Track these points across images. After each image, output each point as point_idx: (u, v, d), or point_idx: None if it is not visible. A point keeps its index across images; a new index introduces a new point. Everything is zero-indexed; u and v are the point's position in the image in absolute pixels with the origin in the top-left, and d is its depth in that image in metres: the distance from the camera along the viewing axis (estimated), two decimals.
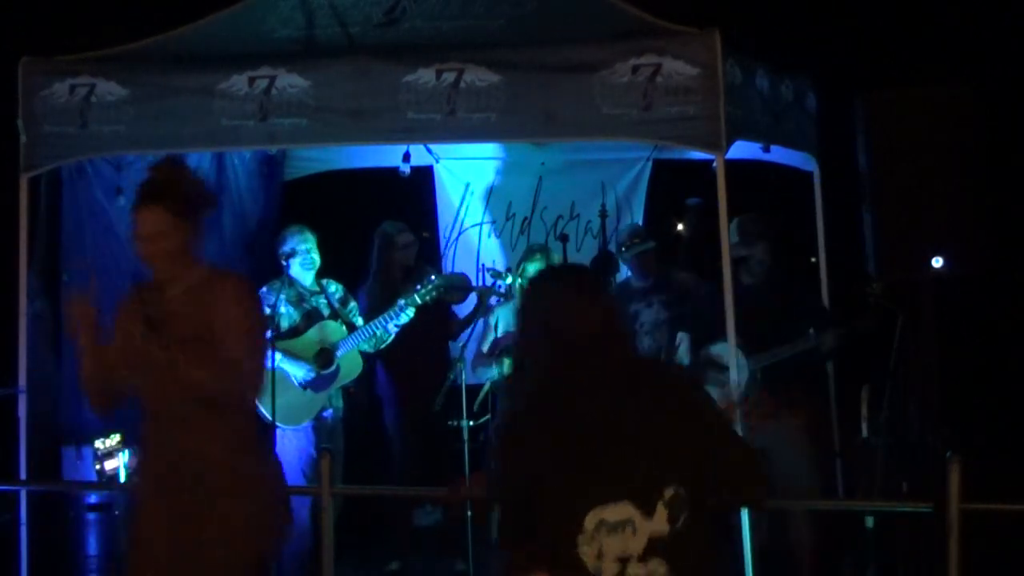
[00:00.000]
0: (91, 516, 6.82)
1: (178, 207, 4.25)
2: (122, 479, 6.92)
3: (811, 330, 6.08)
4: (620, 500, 3.17)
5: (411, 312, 6.73)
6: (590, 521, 3.18)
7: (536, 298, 3.44)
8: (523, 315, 3.46)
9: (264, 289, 6.89)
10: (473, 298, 7.48)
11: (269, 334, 6.76)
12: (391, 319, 6.75)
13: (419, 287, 6.76)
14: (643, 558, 3.18)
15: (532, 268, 6.76)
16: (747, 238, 6.33)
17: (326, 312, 6.90)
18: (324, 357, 6.78)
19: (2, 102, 6.41)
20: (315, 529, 6.02)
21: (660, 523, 3.17)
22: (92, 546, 6.83)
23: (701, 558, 3.24)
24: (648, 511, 3.17)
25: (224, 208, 7.64)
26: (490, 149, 8.05)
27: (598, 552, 3.18)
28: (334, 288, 7.00)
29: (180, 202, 4.26)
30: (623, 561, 3.19)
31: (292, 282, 6.92)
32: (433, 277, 6.85)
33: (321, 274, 7.00)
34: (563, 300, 3.35)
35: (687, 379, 3.54)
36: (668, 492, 3.18)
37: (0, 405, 6.35)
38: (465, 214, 8.32)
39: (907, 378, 6.23)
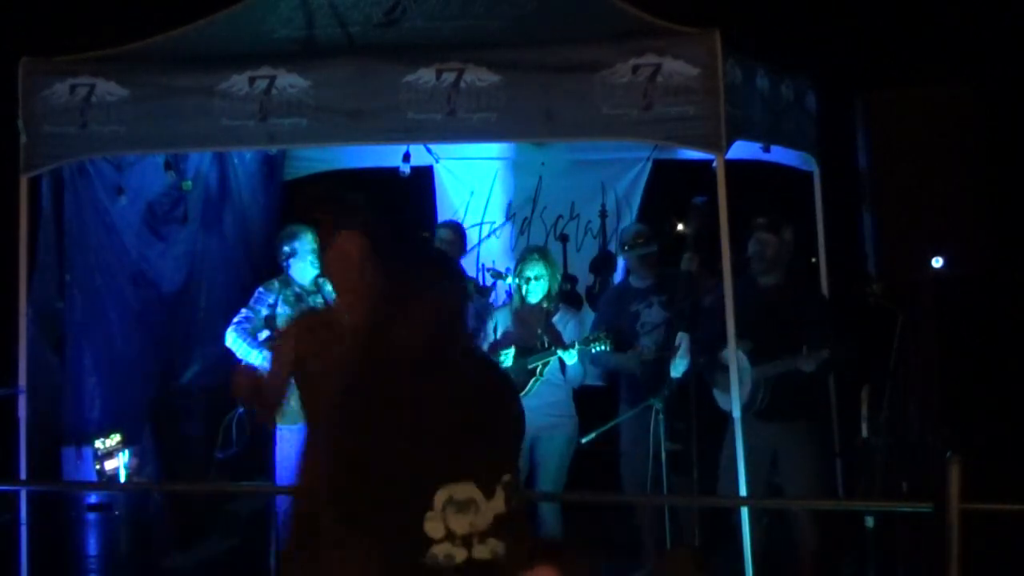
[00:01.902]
0: (91, 516, 6.82)
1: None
2: (122, 479, 6.93)
3: (804, 349, 6.07)
4: (466, 480, 3.28)
5: None
6: (440, 498, 3.26)
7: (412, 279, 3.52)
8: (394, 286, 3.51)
9: (261, 289, 6.88)
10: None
11: (266, 334, 6.76)
12: None
13: None
14: (485, 537, 3.28)
15: (529, 270, 6.75)
16: (755, 233, 6.34)
17: None
18: None
19: (2, 102, 6.41)
20: None
21: (499, 505, 3.29)
22: (92, 546, 6.84)
23: (527, 539, 3.38)
24: (489, 493, 3.29)
25: (224, 208, 7.65)
26: (490, 149, 8.04)
27: (445, 530, 3.26)
28: (331, 288, 6.99)
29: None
30: (467, 541, 3.27)
31: (290, 282, 6.92)
32: None
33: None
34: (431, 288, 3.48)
35: (509, 383, 3.70)
36: (506, 477, 3.32)
37: (0, 405, 6.35)
38: (465, 214, 8.32)
39: (907, 378, 6.23)
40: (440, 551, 3.27)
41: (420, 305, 3.43)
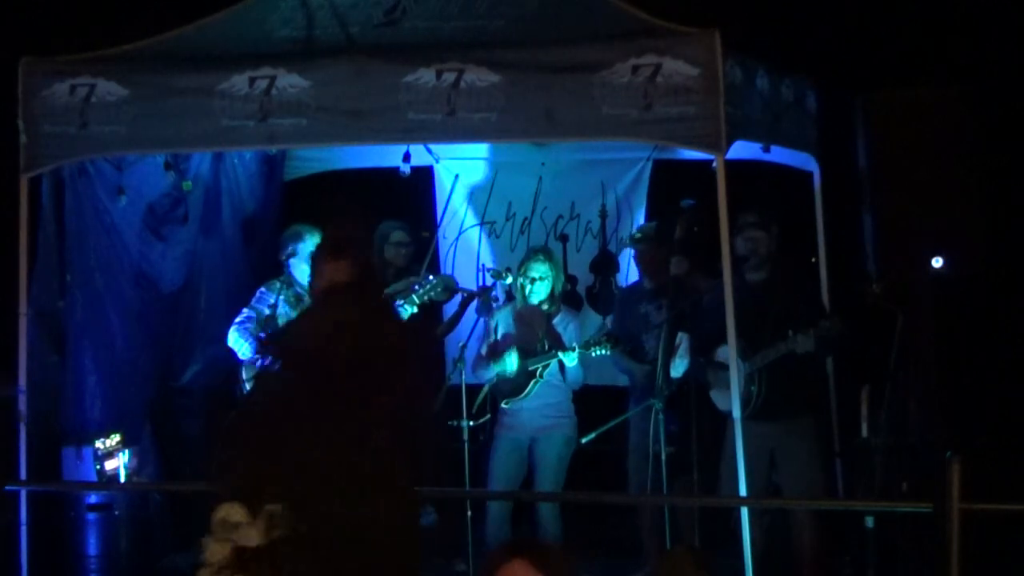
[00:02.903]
0: (91, 516, 6.82)
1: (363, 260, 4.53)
2: (122, 479, 6.93)
3: (790, 332, 6.08)
4: (234, 500, 3.15)
5: (412, 309, 6.69)
6: (217, 515, 3.17)
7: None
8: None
9: (263, 288, 6.88)
10: (456, 299, 7.48)
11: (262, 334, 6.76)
12: None
13: (417, 287, 6.75)
14: (234, 570, 3.13)
15: (534, 270, 6.73)
16: (745, 231, 6.34)
17: None
18: None
19: (2, 102, 6.41)
20: None
21: (252, 535, 3.13)
22: (92, 546, 6.83)
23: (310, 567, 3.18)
24: (252, 517, 3.15)
25: (224, 208, 7.64)
26: (490, 149, 8.04)
27: (204, 557, 3.14)
28: None
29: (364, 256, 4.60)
30: (219, 572, 3.13)
31: (292, 282, 6.92)
32: (431, 277, 6.83)
33: None
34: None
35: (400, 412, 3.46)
36: (272, 507, 3.14)
37: (0, 405, 6.35)
38: (465, 214, 8.32)
39: (907, 378, 6.23)
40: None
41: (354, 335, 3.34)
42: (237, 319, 6.83)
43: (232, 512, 3.13)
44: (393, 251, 7.40)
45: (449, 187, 8.39)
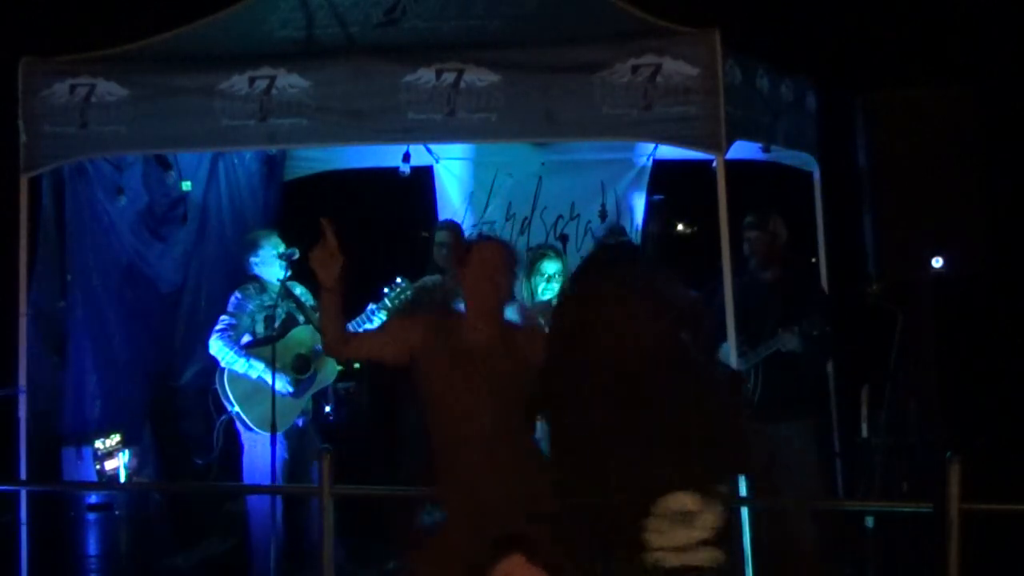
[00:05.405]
0: (91, 516, 6.82)
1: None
2: (122, 479, 6.93)
3: (779, 330, 6.08)
4: (686, 489, 3.24)
5: (383, 316, 6.64)
6: (671, 505, 3.24)
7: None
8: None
9: (239, 295, 6.80)
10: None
11: (247, 339, 6.72)
12: (360, 324, 6.63)
13: (387, 291, 6.71)
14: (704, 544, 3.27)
15: (550, 267, 6.69)
16: (744, 232, 6.36)
17: (300, 318, 6.80)
18: (300, 363, 6.73)
19: (2, 102, 6.41)
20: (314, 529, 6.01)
21: (714, 518, 3.25)
22: (92, 546, 6.83)
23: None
24: (709, 501, 3.26)
25: (224, 208, 7.64)
26: (490, 149, 8.04)
27: (663, 540, 3.24)
28: (300, 291, 6.88)
29: None
30: (682, 549, 3.26)
31: (265, 287, 6.83)
32: (399, 280, 6.76)
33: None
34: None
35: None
36: (722, 487, 3.31)
37: (0, 405, 6.35)
38: (465, 214, 8.32)
39: (907, 378, 6.24)
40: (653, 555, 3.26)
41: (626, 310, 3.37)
42: (218, 327, 6.73)
43: (687, 501, 3.22)
44: (436, 252, 7.37)
45: (449, 187, 8.38)
